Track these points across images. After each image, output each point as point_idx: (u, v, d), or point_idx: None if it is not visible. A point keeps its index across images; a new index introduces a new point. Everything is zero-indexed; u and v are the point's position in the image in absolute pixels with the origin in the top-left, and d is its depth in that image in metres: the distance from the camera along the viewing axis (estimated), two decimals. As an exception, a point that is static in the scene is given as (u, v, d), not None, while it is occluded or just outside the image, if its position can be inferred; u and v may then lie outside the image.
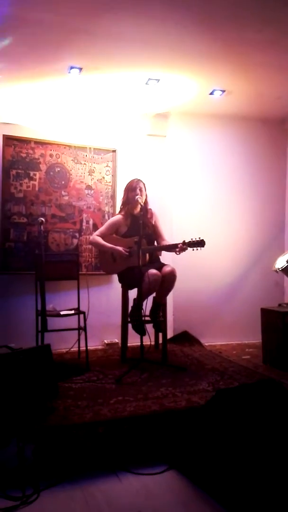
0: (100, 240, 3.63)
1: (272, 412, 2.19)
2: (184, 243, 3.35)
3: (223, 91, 3.83)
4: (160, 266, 3.47)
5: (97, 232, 3.72)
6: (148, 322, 3.49)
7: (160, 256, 3.72)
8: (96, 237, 3.66)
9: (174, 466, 2.26)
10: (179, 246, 3.36)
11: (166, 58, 3.25)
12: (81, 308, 3.65)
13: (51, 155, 4.10)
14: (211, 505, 1.96)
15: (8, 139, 3.94)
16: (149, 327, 3.49)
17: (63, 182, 4.15)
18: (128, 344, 3.67)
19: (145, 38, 2.94)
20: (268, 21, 2.75)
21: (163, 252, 3.71)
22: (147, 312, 3.51)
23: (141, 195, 3.57)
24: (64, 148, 4.15)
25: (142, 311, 3.33)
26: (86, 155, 4.22)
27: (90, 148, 4.24)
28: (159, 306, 3.53)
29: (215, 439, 2.13)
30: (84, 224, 4.22)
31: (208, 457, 2.12)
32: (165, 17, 2.71)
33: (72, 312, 3.54)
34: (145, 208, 3.56)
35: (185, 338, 4.32)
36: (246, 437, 2.06)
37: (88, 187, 4.24)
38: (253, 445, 2.04)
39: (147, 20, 2.73)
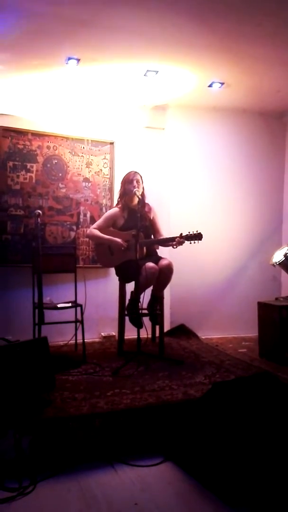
0: (97, 233, 3.61)
1: (267, 405, 2.21)
2: (181, 236, 3.35)
3: (222, 83, 3.81)
4: (157, 259, 3.47)
5: (94, 225, 3.71)
6: (145, 315, 3.50)
7: (157, 250, 3.71)
8: (93, 230, 3.65)
9: (170, 458, 2.28)
10: (176, 239, 3.36)
11: (165, 50, 3.22)
12: (78, 301, 3.65)
13: (48, 147, 4.07)
14: (207, 497, 1.97)
15: (5, 130, 3.91)
16: (146, 320, 3.50)
17: (60, 175, 4.13)
18: (125, 337, 3.67)
19: (144, 29, 2.91)
20: (267, 14, 2.73)
21: (161, 246, 3.71)
22: (145, 305, 3.51)
23: (138, 188, 3.55)
24: (62, 140, 4.12)
25: (139, 304, 3.34)
26: (83, 147, 4.20)
27: (87, 140, 4.21)
28: (156, 299, 3.53)
29: (211, 432, 2.14)
30: (81, 217, 4.20)
31: (204, 449, 2.13)
32: (164, 9, 2.68)
33: (69, 305, 3.53)
34: (142, 201, 3.55)
35: (182, 331, 4.33)
36: (242, 429, 2.07)
37: (86, 180, 4.22)
38: (249, 438, 2.05)
39: (146, 11, 2.70)
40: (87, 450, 2.29)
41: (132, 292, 3.46)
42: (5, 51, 3.18)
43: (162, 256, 3.56)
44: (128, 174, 3.65)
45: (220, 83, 3.80)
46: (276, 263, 3.83)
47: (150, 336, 3.86)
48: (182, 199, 4.46)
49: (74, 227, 4.17)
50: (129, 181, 3.59)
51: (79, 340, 3.61)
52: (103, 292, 4.17)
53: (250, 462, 1.99)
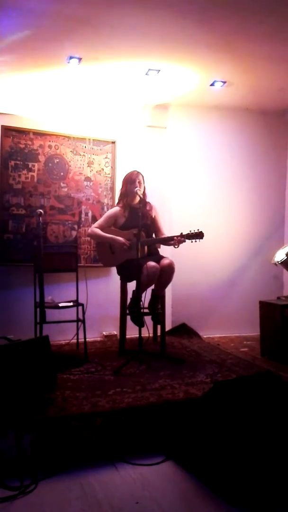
0: (99, 232, 3.60)
1: (269, 404, 2.20)
2: (182, 235, 3.34)
3: (224, 82, 3.80)
4: (158, 258, 3.46)
5: (96, 224, 3.70)
6: (146, 314, 3.50)
7: (159, 249, 3.71)
8: (95, 229, 3.64)
9: (171, 457, 2.28)
10: (176, 238, 3.35)
11: (167, 49, 3.22)
12: (80, 300, 3.65)
13: (50, 146, 4.07)
14: (208, 496, 1.97)
15: (6, 129, 3.91)
16: (148, 319, 3.50)
17: (62, 174, 4.13)
18: (127, 336, 3.67)
19: (146, 28, 2.91)
20: (269, 12, 2.72)
21: (162, 245, 3.71)
22: (146, 304, 3.51)
23: (140, 188, 3.55)
24: (63, 139, 4.12)
25: (141, 303, 3.34)
26: (85, 147, 4.20)
27: (89, 139, 4.21)
28: (158, 298, 3.53)
29: (212, 431, 2.14)
30: (83, 216, 4.20)
31: (206, 448, 2.13)
32: (166, 7, 2.67)
33: (71, 304, 3.54)
34: (144, 200, 3.54)
35: (183, 330, 4.33)
36: (243, 429, 2.07)
37: (87, 179, 4.22)
38: (251, 437, 2.05)
39: (148, 10, 2.70)
40: (89, 449, 2.29)
41: (133, 291, 3.46)
42: (6, 50, 3.17)
43: (164, 255, 3.56)
44: (131, 173, 3.64)
45: (222, 81, 3.80)
46: (278, 262, 3.82)
47: (151, 335, 3.86)
48: (184, 198, 4.45)
49: (76, 226, 4.17)
50: (131, 181, 3.59)
51: (81, 339, 3.61)
52: (104, 291, 4.17)
53: (252, 462, 1.99)
